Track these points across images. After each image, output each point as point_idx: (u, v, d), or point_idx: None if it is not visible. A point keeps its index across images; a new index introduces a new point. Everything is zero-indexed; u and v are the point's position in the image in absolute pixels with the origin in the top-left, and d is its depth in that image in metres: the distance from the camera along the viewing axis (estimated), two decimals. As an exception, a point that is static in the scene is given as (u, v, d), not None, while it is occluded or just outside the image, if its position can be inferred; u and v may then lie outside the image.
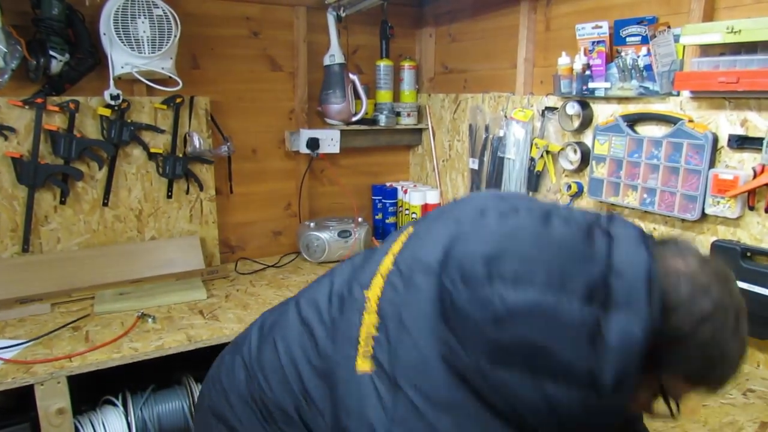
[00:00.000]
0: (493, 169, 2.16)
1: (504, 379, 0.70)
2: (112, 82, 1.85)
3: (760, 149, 1.37)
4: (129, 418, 1.59)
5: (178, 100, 2.00)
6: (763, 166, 1.36)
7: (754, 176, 1.37)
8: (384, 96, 2.47)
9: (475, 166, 2.27)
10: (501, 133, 2.10)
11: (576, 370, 0.68)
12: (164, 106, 1.99)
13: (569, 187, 1.85)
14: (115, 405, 1.61)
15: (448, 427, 0.72)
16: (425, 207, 2.47)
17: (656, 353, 0.70)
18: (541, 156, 1.94)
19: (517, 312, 0.69)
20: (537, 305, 0.69)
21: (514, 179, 2.05)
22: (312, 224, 2.30)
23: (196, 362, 1.73)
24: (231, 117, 2.19)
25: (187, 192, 2.10)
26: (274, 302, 1.85)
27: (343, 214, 2.48)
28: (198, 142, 2.04)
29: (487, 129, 2.20)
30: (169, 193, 2.06)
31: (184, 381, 1.74)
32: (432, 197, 2.49)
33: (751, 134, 1.40)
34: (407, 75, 2.51)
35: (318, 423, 0.84)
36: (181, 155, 2.04)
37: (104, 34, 1.81)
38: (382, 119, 2.44)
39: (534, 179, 1.99)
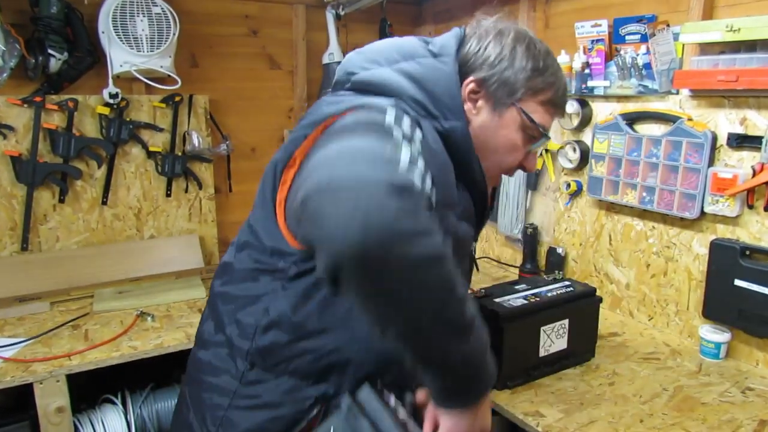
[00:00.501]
0: (493, 167, 2.16)
1: None
2: (110, 80, 1.85)
3: (760, 148, 1.36)
4: (128, 417, 1.59)
5: (177, 99, 2.00)
6: (762, 165, 1.35)
7: (753, 175, 1.37)
8: (383, 94, 2.46)
9: (475, 165, 2.27)
10: (500, 132, 2.10)
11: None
12: (163, 105, 1.99)
13: (568, 185, 1.85)
14: (114, 403, 1.61)
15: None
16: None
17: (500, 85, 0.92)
18: (540, 154, 1.94)
19: None
20: None
21: (513, 178, 2.05)
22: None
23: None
24: (230, 115, 2.19)
25: (186, 190, 2.10)
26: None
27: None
28: (197, 140, 2.04)
29: (486, 127, 2.20)
30: (168, 192, 2.06)
31: (183, 380, 1.74)
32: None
33: (750, 133, 1.40)
34: (406, 73, 2.50)
35: None
36: (180, 154, 2.04)
37: (103, 32, 1.81)
38: (382, 117, 2.44)
39: (533, 178, 1.99)
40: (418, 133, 0.80)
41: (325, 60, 2.24)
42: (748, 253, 1.41)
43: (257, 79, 2.23)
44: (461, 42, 0.97)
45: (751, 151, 1.40)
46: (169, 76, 1.90)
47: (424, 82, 0.90)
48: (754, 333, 1.41)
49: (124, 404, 1.62)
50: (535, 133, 0.97)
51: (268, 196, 0.93)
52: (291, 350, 0.89)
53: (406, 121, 0.80)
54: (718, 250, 1.45)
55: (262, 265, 0.93)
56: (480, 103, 0.95)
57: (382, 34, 2.40)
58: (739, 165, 1.42)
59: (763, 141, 1.35)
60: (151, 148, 2.00)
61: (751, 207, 1.41)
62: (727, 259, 1.43)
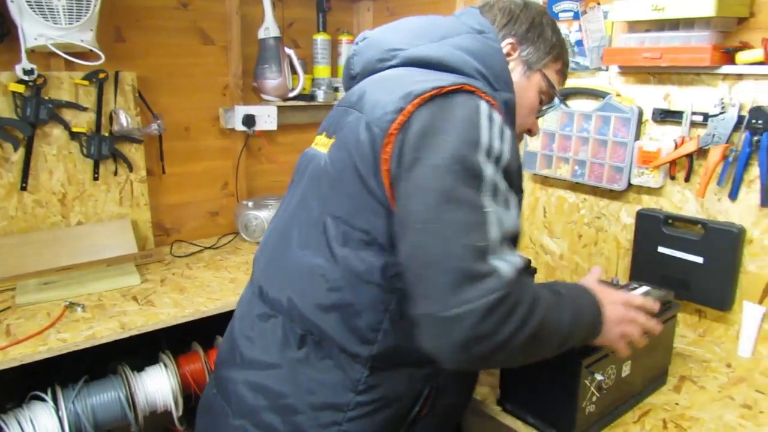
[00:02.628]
0: (431, 144, 2.17)
1: None
2: (24, 55, 1.71)
3: (681, 122, 1.44)
4: (60, 413, 1.51)
5: (102, 76, 1.89)
6: (683, 138, 1.44)
7: (675, 148, 1.45)
8: (322, 71, 2.43)
9: (413, 142, 2.28)
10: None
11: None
12: (86, 82, 1.88)
13: (504, 161, 1.89)
14: (44, 400, 1.53)
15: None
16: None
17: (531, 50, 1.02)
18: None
19: None
20: None
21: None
22: (250, 203, 2.25)
23: (132, 350, 1.68)
24: (161, 93, 2.09)
25: (116, 173, 2.00)
26: (213, 285, 1.81)
27: (283, 193, 2.43)
28: (125, 120, 1.94)
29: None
30: (96, 175, 1.96)
31: (120, 370, 1.68)
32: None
33: (672, 108, 1.47)
34: (345, 49, 2.47)
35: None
36: (107, 134, 1.93)
37: (12, 1, 1.67)
38: (320, 95, 2.40)
39: (470, 154, 2.03)
40: (507, 132, 0.84)
41: (261, 35, 2.17)
42: (670, 221, 1.49)
43: (189, 55, 2.14)
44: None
45: (673, 126, 1.48)
46: (91, 50, 1.79)
47: (482, 56, 0.94)
48: (675, 296, 1.50)
49: (55, 400, 1.54)
50: (547, 99, 1.07)
51: (371, 186, 0.87)
52: (411, 342, 0.84)
53: (497, 117, 0.84)
54: (644, 219, 1.53)
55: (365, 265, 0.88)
56: (512, 65, 1.01)
57: (320, 10, 2.36)
58: (662, 138, 1.50)
59: (684, 116, 1.43)
60: (75, 129, 1.88)
61: (673, 178, 1.49)
62: (651, 228, 1.51)
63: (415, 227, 0.78)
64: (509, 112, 0.96)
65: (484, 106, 0.83)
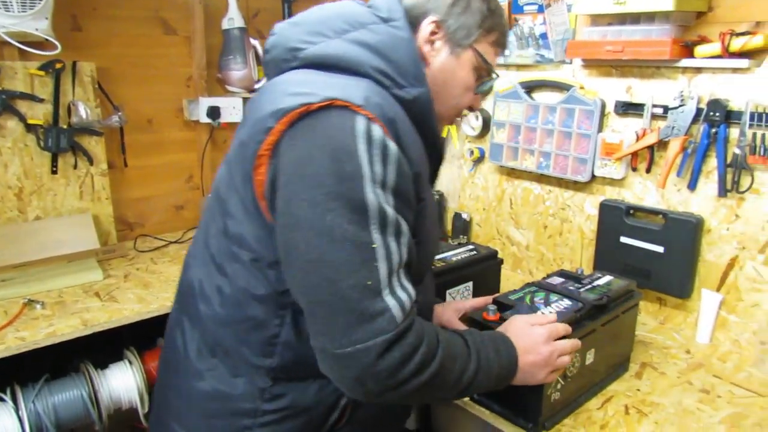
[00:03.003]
0: (399, 136, 2.17)
1: None
2: (-25, 44, 1.65)
3: (642, 114, 1.47)
4: (20, 413, 1.47)
5: (58, 66, 1.83)
6: (644, 130, 1.46)
7: (637, 139, 1.48)
8: (286, 62, 2.39)
9: (381, 134, 2.28)
10: (405, 100, 2.11)
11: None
12: (42, 73, 1.81)
13: (471, 152, 1.91)
14: (2, 400, 1.49)
15: None
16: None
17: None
18: (445, 123, 1.98)
19: None
20: None
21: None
22: (215, 197, 2.21)
23: (95, 347, 1.64)
24: (122, 85, 2.04)
25: (75, 167, 1.94)
26: (178, 279, 1.78)
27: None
28: (84, 112, 1.88)
29: (391, 96, 2.20)
30: (54, 169, 1.90)
31: (82, 368, 1.64)
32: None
33: (634, 100, 1.50)
34: (310, 40, 2.44)
35: None
36: (65, 127, 1.87)
37: (-37, -11, 1.60)
38: (285, 86, 2.37)
39: (438, 146, 2.03)
40: (392, 147, 0.78)
41: (225, 25, 2.13)
42: (632, 212, 1.53)
43: (151, 46, 2.08)
44: None
45: (635, 118, 1.51)
46: (46, 40, 1.73)
47: (384, 51, 0.85)
48: (637, 285, 1.54)
49: (14, 400, 1.50)
50: (485, 74, 0.98)
51: (248, 205, 0.85)
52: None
53: (377, 133, 0.77)
54: (607, 210, 1.56)
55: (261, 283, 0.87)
56: (438, 44, 0.93)
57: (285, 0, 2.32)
58: (624, 131, 1.53)
59: (645, 108, 1.46)
60: (31, 121, 1.82)
61: (634, 169, 1.53)
62: (614, 218, 1.54)
63: (300, 265, 0.77)
64: (422, 108, 0.88)
65: (359, 126, 0.76)
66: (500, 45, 0.99)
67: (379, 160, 0.76)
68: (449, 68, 0.94)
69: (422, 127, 0.88)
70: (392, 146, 0.78)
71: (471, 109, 1.03)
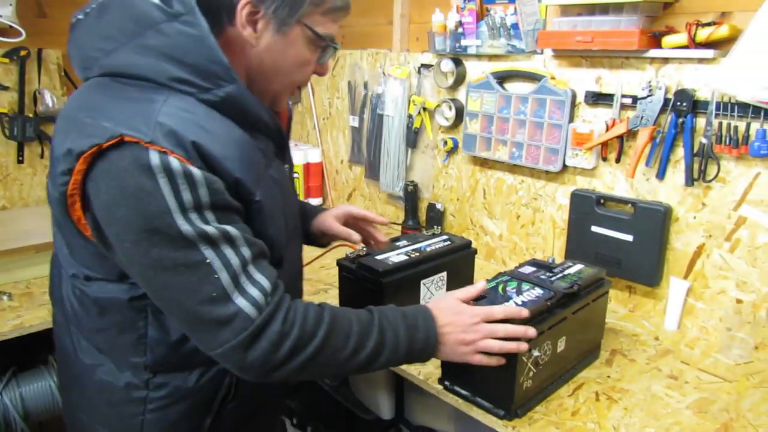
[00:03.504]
0: (373, 126, 2.17)
1: None
2: (-64, 30, 1.61)
3: (611, 104, 1.49)
4: (-13, 405, 1.45)
5: (23, 53, 1.79)
6: (614, 120, 1.48)
7: (606, 129, 1.49)
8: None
9: (356, 124, 2.27)
10: (380, 90, 2.11)
11: None
12: (6, 60, 1.78)
13: (445, 143, 1.91)
14: (-32, 392, 1.46)
15: None
16: (307, 166, 2.44)
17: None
18: (419, 113, 1.98)
19: None
20: None
21: (393, 136, 2.07)
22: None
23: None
24: (89, 72, 2.00)
25: (42, 156, 1.90)
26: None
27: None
28: (50, 100, 1.84)
29: (366, 86, 2.20)
30: (20, 158, 1.86)
31: (51, 360, 1.62)
32: (313, 156, 2.46)
33: (604, 91, 1.51)
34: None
35: None
36: (31, 115, 1.84)
37: None
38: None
39: (412, 136, 2.03)
40: (195, 172, 0.76)
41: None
42: (602, 201, 1.54)
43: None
44: None
45: (605, 108, 1.52)
46: (11, 26, 1.69)
47: (177, 55, 0.79)
48: (607, 273, 1.56)
49: (-19, 392, 1.48)
50: (323, 45, 0.94)
51: (77, 236, 0.86)
52: (187, 348, 0.90)
53: (175, 165, 0.75)
54: (578, 199, 1.58)
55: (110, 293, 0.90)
56: (260, 25, 0.87)
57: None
58: (594, 121, 1.54)
59: (614, 98, 1.47)
60: (-5, 109, 1.78)
61: (605, 159, 1.54)
62: (585, 208, 1.56)
63: (151, 293, 0.83)
64: (236, 104, 0.84)
65: (154, 162, 0.74)
66: (336, 11, 0.92)
67: (186, 188, 0.76)
68: (277, 48, 0.89)
69: (245, 120, 0.86)
70: (195, 171, 0.76)
71: (318, 73, 1.00)
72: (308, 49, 0.92)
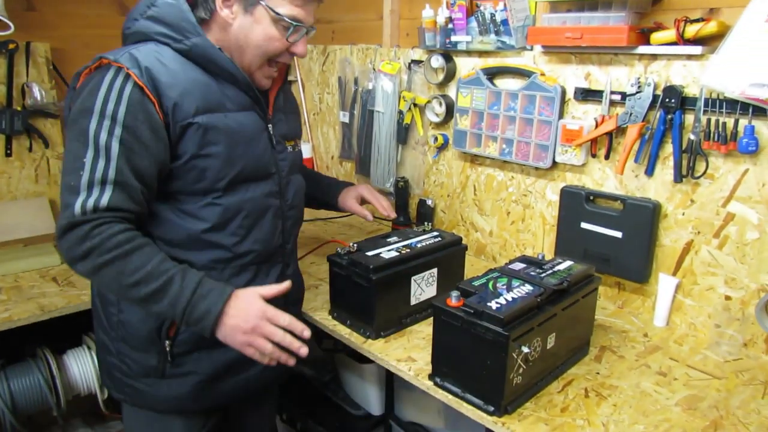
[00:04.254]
0: (364, 122, 2.16)
1: None
2: None
3: (601, 101, 1.49)
4: (-26, 400, 1.44)
5: (11, 46, 1.78)
6: (603, 117, 1.48)
7: (596, 126, 1.49)
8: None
9: (346, 120, 2.26)
10: (370, 86, 2.11)
11: None
12: (-6, 53, 1.76)
13: (436, 139, 1.91)
14: (-45, 387, 1.45)
15: None
16: (299, 162, 2.43)
17: None
18: (409, 109, 1.98)
19: None
20: None
21: (384, 132, 2.07)
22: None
23: (53, 333, 1.61)
24: (77, 66, 1.94)
25: (30, 149, 1.89)
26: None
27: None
28: (39, 93, 1.83)
29: (356, 82, 2.19)
30: (8, 151, 1.85)
31: (39, 353, 1.61)
32: (304, 151, 2.44)
33: (593, 87, 1.52)
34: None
35: None
36: (19, 108, 1.83)
37: None
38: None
39: (403, 132, 2.03)
40: (127, 90, 1.03)
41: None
42: (591, 198, 1.55)
43: (107, 26, 2.03)
44: None
45: (594, 104, 1.52)
46: (0, 20, 1.67)
47: (162, 17, 1.10)
48: (597, 270, 1.57)
49: (-32, 387, 1.47)
50: (287, 25, 1.13)
51: None
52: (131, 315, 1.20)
53: (119, 80, 1.03)
54: (567, 196, 1.58)
55: None
56: (235, 7, 1.12)
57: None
58: (584, 117, 1.55)
59: (603, 95, 1.48)
60: (-18, 103, 1.77)
61: (594, 156, 1.55)
62: (574, 204, 1.56)
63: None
64: (202, 51, 1.10)
65: (109, 75, 1.03)
66: None
67: (113, 99, 1.02)
68: (246, 25, 1.13)
69: (210, 68, 1.12)
70: (128, 89, 1.03)
71: (294, 54, 1.20)
72: (274, 27, 1.13)
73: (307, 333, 1.10)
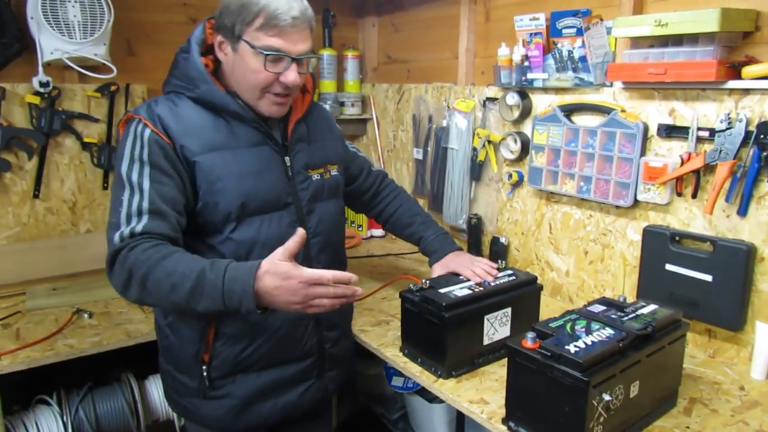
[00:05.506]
0: (437, 159, 2.18)
1: None
2: (41, 68, 1.77)
3: (687, 137, 1.43)
4: (65, 418, 1.53)
5: (113, 88, 1.93)
6: (690, 154, 1.42)
7: (682, 164, 1.43)
8: (328, 86, 2.45)
9: (420, 156, 2.29)
10: (444, 123, 2.12)
11: None
12: (98, 94, 1.92)
13: (510, 176, 1.89)
14: (49, 404, 1.54)
15: None
16: (372, 197, 2.47)
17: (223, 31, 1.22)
18: (483, 146, 1.98)
19: None
20: None
21: (457, 169, 2.07)
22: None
23: (137, 358, 1.68)
24: (170, 106, 2.12)
25: (125, 184, 2.02)
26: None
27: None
28: (135, 131, 1.97)
29: (430, 119, 2.22)
30: (105, 185, 1.99)
31: (124, 378, 1.69)
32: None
33: (678, 123, 1.46)
34: (351, 64, 2.50)
35: None
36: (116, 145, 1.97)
37: (32, 18, 1.72)
38: (327, 109, 2.42)
39: (476, 169, 2.02)
40: (146, 135, 1.18)
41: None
42: (677, 238, 1.47)
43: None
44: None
45: (679, 141, 1.46)
46: (103, 64, 1.83)
47: (180, 71, 1.26)
48: (684, 315, 1.48)
49: (60, 405, 1.55)
50: (267, 56, 1.19)
51: None
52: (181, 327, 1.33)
53: (140, 128, 1.19)
54: (650, 236, 1.51)
55: None
56: (228, 49, 1.23)
57: (326, 25, 2.39)
58: (668, 154, 1.49)
59: (690, 131, 1.42)
60: (86, 140, 1.92)
61: (680, 195, 1.48)
62: (658, 245, 1.49)
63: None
64: (208, 97, 1.23)
65: (132, 126, 1.20)
66: (270, 26, 1.17)
67: (138, 144, 1.18)
68: (236, 63, 1.22)
69: (216, 109, 1.25)
70: (147, 134, 1.18)
71: (284, 85, 1.23)
72: (255, 60, 1.20)
73: (354, 278, 1.10)
